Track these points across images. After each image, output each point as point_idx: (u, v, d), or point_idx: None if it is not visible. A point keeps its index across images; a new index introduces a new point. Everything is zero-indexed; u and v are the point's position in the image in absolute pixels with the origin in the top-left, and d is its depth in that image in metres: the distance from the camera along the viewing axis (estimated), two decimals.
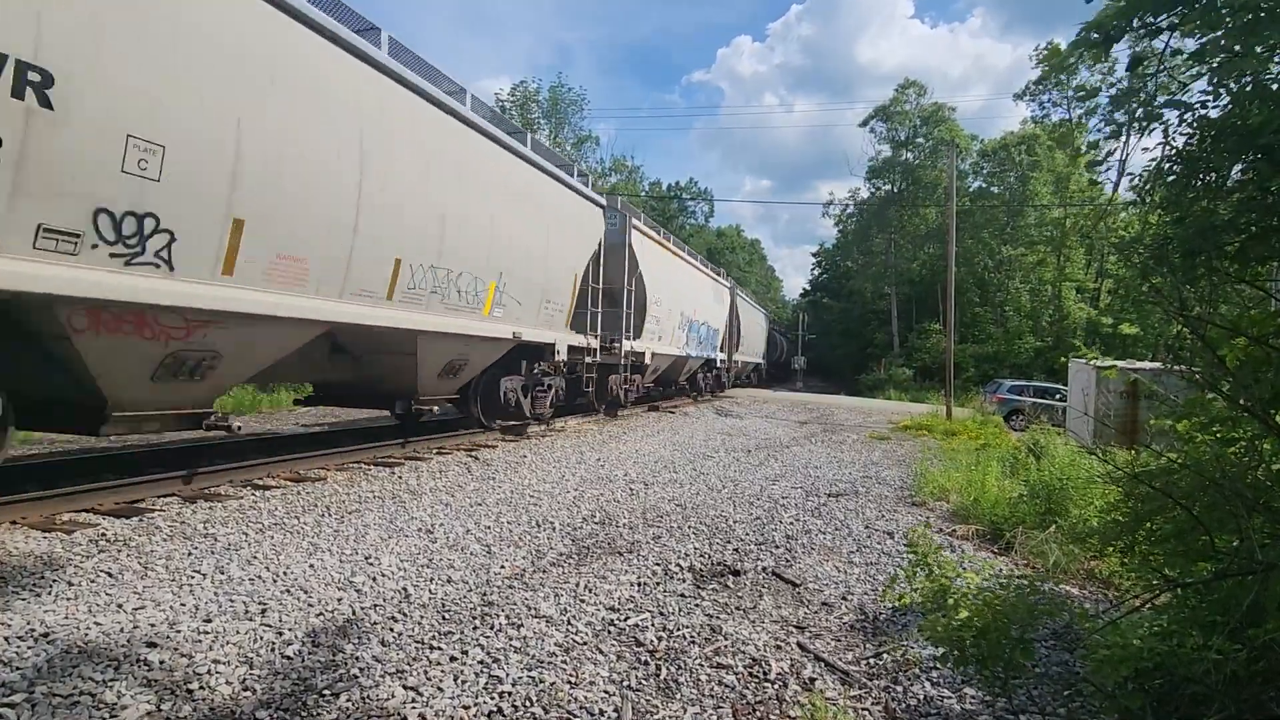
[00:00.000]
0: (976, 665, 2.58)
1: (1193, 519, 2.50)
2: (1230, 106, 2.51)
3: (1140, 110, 2.88)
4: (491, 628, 3.64)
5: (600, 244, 12.71)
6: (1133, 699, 2.29)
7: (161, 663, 3.02)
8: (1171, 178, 2.76)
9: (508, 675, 3.12)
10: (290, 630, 3.45)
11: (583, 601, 4.08)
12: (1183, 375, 2.88)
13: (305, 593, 3.97)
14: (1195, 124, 2.64)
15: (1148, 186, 2.85)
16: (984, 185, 41.09)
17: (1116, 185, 37.35)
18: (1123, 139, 32.74)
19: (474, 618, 3.77)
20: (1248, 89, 2.43)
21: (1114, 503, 3.77)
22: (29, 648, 3.06)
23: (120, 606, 3.58)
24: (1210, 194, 2.75)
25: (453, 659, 3.26)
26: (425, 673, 3.11)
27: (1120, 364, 10.05)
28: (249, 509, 5.64)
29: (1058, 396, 18.81)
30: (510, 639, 3.51)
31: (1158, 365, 9.78)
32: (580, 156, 42.71)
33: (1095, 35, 2.57)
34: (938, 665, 3.31)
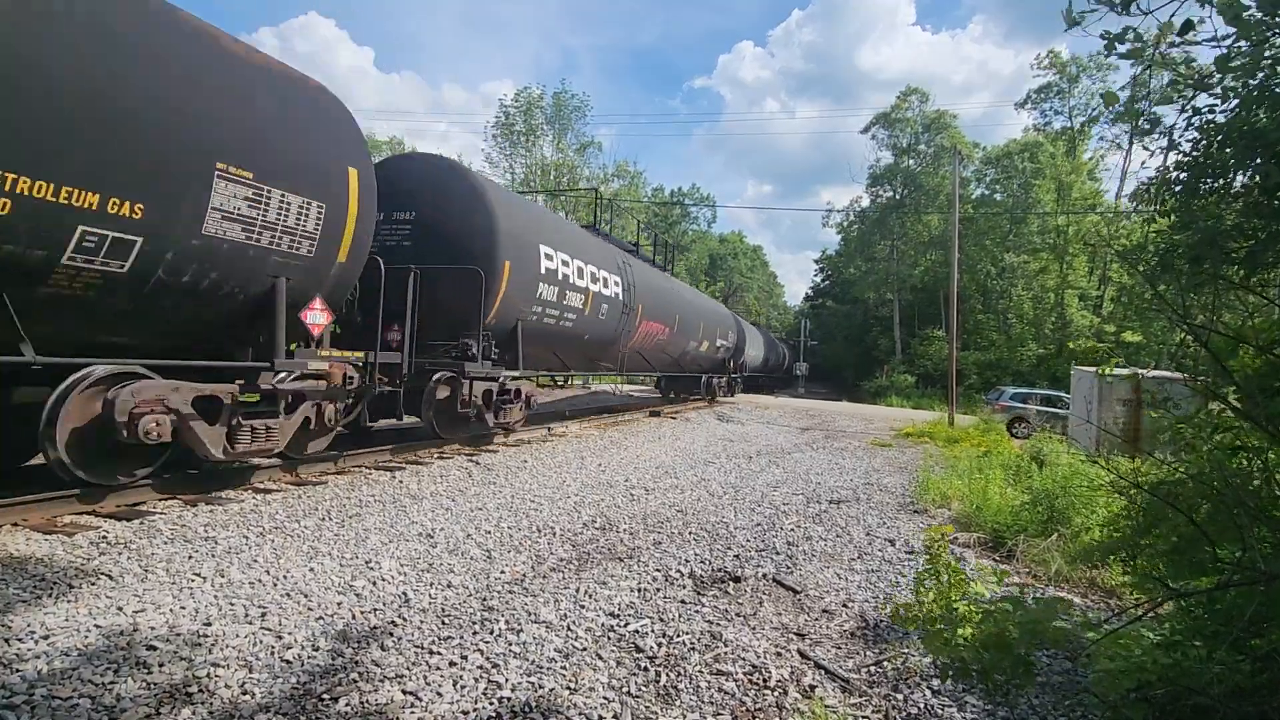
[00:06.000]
0: (979, 677, 2.56)
1: (1195, 529, 2.49)
2: (1238, 110, 2.49)
3: (1143, 116, 2.86)
4: (491, 633, 3.63)
5: None
6: (1135, 710, 2.27)
7: (161, 665, 3.01)
8: (1179, 186, 2.75)
9: (507, 680, 3.11)
10: (290, 634, 3.44)
11: (583, 607, 4.07)
12: (1187, 384, 2.87)
13: (305, 596, 3.96)
14: (1203, 127, 2.62)
15: (1154, 192, 2.83)
16: (986, 192, 41.06)
17: (1119, 192, 37.34)
18: (1125, 147, 32.83)
19: (474, 623, 3.76)
20: (1255, 93, 2.42)
21: (1116, 514, 3.75)
22: (29, 649, 3.06)
23: (120, 609, 3.58)
24: (1217, 197, 2.73)
25: (452, 664, 3.25)
26: (424, 677, 3.10)
27: (1125, 371, 10.00)
28: (249, 512, 5.64)
29: (1060, 404, 18.76)
30: (510, 644, 3.50)
31: (1162, 373, 9.73)
32: (584, 162, 42.95)
33: None
34: (939, 674, 3.30)
